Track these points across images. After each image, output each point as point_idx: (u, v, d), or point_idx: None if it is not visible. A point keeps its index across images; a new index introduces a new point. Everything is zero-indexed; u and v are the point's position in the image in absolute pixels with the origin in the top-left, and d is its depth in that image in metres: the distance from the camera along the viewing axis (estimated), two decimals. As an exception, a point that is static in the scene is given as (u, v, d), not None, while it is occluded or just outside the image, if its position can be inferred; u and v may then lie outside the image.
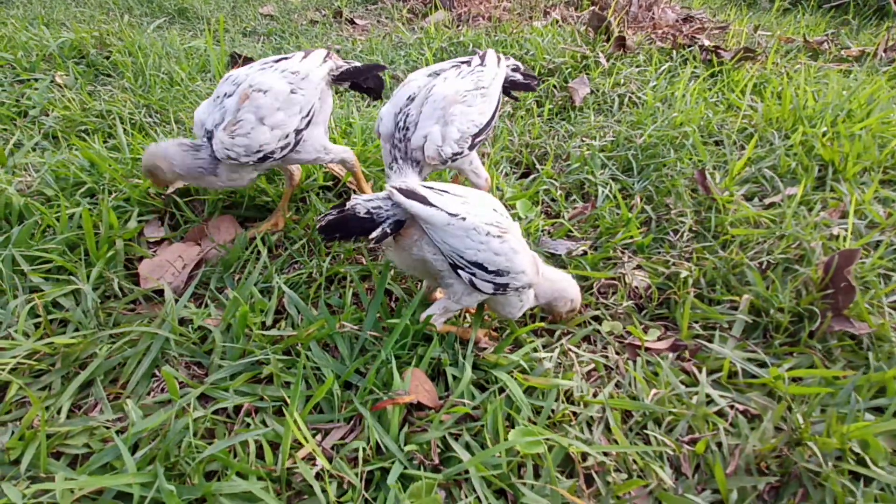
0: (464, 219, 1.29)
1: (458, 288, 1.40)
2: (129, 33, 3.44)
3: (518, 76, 1.95)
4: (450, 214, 1.28)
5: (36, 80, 2.91)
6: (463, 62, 1.85)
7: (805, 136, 2.44)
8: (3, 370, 1.28)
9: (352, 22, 4.71)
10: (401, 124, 1.64)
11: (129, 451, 1.12)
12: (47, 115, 2.60)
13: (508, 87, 1.93)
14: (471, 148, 1.69)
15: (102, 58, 3.19)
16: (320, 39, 4.15)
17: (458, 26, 4.30)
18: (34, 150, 2.32)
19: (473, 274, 1.33)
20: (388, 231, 1.31)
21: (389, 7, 4.96)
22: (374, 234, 1.29)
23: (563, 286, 1.53)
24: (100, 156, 2.08)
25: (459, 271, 1.34)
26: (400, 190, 1.30)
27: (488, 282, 1.34)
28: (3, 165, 2.13)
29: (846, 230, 1.91)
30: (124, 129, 2.40)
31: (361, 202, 1.32)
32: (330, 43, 4.01)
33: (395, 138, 1.65)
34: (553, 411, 1.35)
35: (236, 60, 3.47)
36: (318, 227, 1.34)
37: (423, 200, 1.29)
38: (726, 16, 4.86)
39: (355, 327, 1.48)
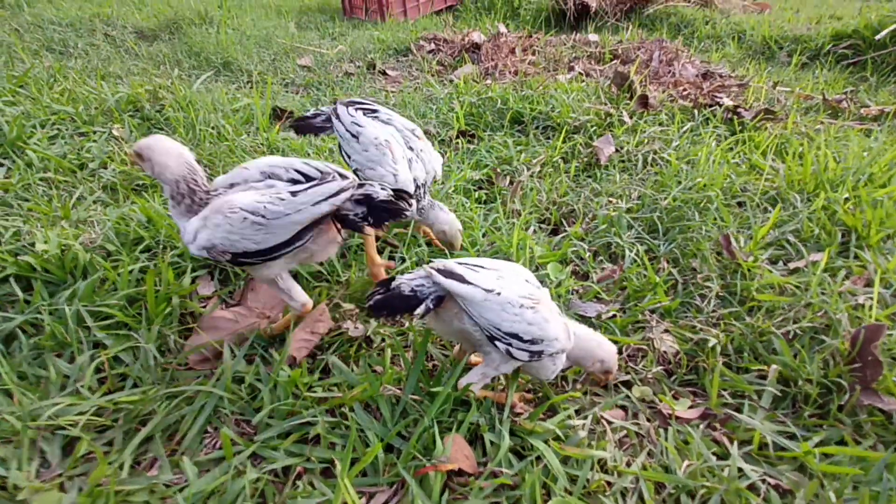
0: (499, 293, 1.39)
1: (496, 357, 1.48)
2: (179, 87, 3.68)
3: (354, 210, 1.57)
4: (485, 290, 1.39)
5: (95, 132, 3.12)
6: (305, 174, 1.60)
7: (827, 200, 2.50)
8: (75, 427, 1.38)
9: (384, 73, 4.95)
10: None
11: (189, 510, 1.20)
12: (105, 168, 2.79)
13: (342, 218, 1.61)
14: (235, 263, 1.60)
15: (155, 112, 3.41)
16: (355, 91, 4.37)
17: (485, 79, 4.49)
18: (94, 203, 2.49)
19: (510, 344, 1.41)
20: (431, 306, 1.42)
21: (420, 59, 5.20)
22: (418, 311, 1.41)
23: (592, 346, 1.58)
24: (157, 212, 2.24)
25: (496, 342, 1.42)
26: (438, 270, 1.43)
27: (524, 350, 1.42)
28: (68, 219, 2.29)
29: (871, 299, 1.95)
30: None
31: (406, 281, 1.45)
32: (364, 95, 4.23)
33: None
34: (588, 481, 1.40)
35: (278, 115, 3.68)
36: (367, 306, 1.48)
37: (461, 279, 1.40)
38: (745, 70, 4.99)
39: (397, 390, 1.56)
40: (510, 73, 4.73)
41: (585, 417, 1.58)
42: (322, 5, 7.84)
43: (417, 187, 2.01)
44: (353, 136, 1.99)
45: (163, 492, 1.30)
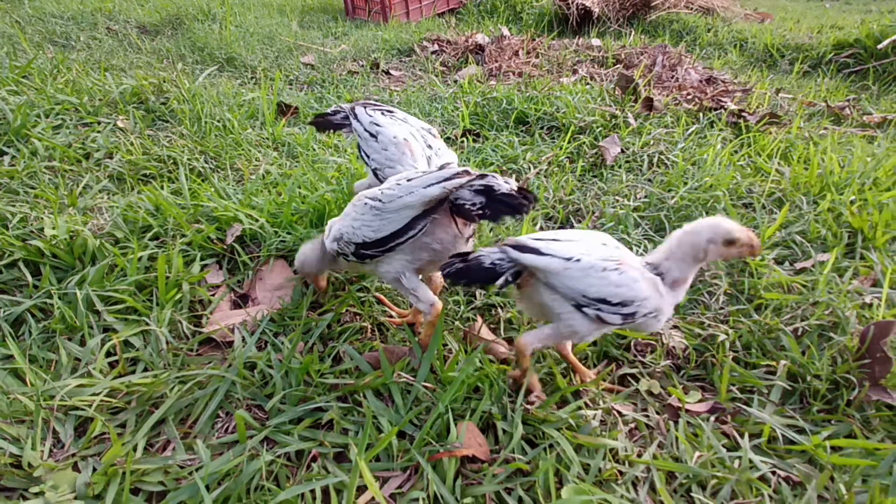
0: (579, 260, 1.38)
1: (582, 326, 1.45)
2: (184, 81, 3.68)
3: (471, 199, 1.45)
4: (565, 259, 1.39)
5: (99, 123, 3.12)
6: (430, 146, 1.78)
7: (833, 202, 2.52)
8: (89, 407, 1.37)
9: (388, 73, 4.96)
10: None
11: (206, 491, 1.19)
12: (111, 158, 2.78)
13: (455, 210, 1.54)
14: (358, 257, 1.60)
15: (160, 104, 3.41)
16: (359, 90, 4.38)
17: (489, 80, 4.51)
18: (101, 192, 2.48)
19: (599, 309, 1.40)
20: (510, 279, 1.44)
21: (423, 60, 5.22)
22: (498, 283, 1.43)
23: (688, 239, 1.44)
24: (165, 201, 2.23)
25: (585, 309, 1.41)
26: (513, 246, 1.44)
27: (615, 314, 1.40)
28: (75, 206, 2.28)
29: (879, 299, 1.97)
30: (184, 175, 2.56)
31: (486, 254, 1.46)
32: (368, 94, 4.24)
33: None
34: (601, 469, 1.40)
35: (283, 110, 3.69)
36: (444, 273, 1.48)
37: (537, 252, 1.40)
38: (747, 77, 5.04)
39: (410, 378, 1.56)
40: (514, 74, 4.75)
41: (597, 408, 1.58)
42: (324, 5, 7.86)
43: None
44: (372, 135, 1.99)
45: (177, 472, 1.30)
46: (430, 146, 2.05)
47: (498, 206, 1.43)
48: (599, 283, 1.37)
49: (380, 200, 1.49)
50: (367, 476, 1.23)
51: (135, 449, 1.34)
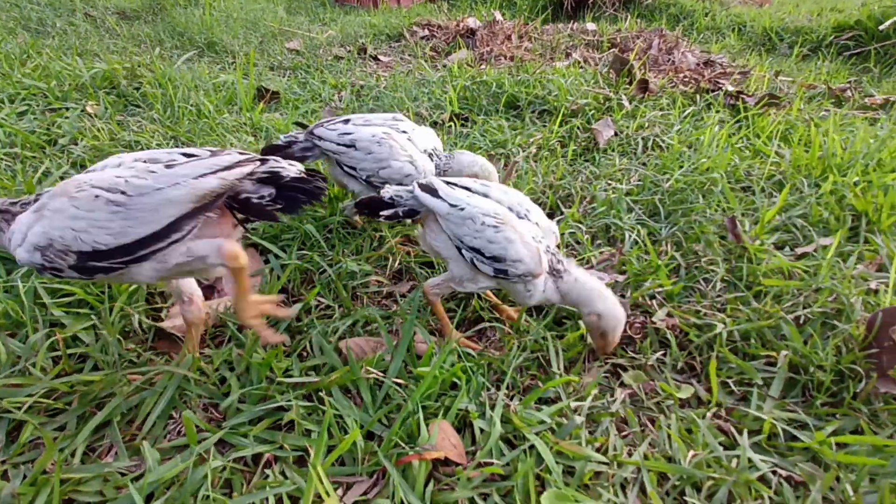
0: (462, 209, 1.47)
1: (463, 270, 1.54)
2: (159, 65, 3.52)
3: (257, 192, 1.24)
4: (450, 205, 1.49)
5: (67, 108, 2.97)
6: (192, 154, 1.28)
7: (836, 184, 2.40)
8: (20, 410, 1.24)
9: (375, 59, 4.81)
10: None
11: (142, 501, 1.07)
12: (76, 145, 2.64)
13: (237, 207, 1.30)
14: (82, 272, 1.17)
15: (132, 89, 3.26)
16: (344, 75, 4.23)
17: (480, 65, 4.36)
18: (62, 178, 2.34)
19: (473, 258, 1.49)
20: (400, 214, 1.57)
21: (413, 45, 5.07)
22: (385, 213, 1.56)
23: (591, 294, 1.50)
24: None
25: (463, 251, 1.50)
26: (421, 185, 1.55)
27: (487, 265, 1.47)
28: (31, 193, 2.14)
29: (886, 284, 1.85)
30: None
31: (391, 190, 1.60)
32: (354, 79, 4.09)
33: None
34: (585, 472, 1.28)
35: (263, 94, 3.54)
36: (355, 202, 1.65)
37: (433, 192, 1.51)
38: (745, 61, 4.89)
39: (380, 373, 1.43)
40: (506, 58, 4.60)
41: (582, 401, 1.46)
42: (314, -9, 7.67)
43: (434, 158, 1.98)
44: (348, 145, 1.86)
45: (118, 480, 1.17)
46: (404, 131, 1.94)
47: (292, 196, 1.24)
48: (474, 234, 1.46)
49: (123, 193, 1.11)
50: (324, 483, 1.11)
51: (73, 455, 1.22)
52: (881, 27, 4.85)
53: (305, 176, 1.26)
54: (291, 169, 1.25)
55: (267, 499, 1.13)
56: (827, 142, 2.72)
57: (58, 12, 5.20)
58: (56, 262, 1.13)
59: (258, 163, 1.21)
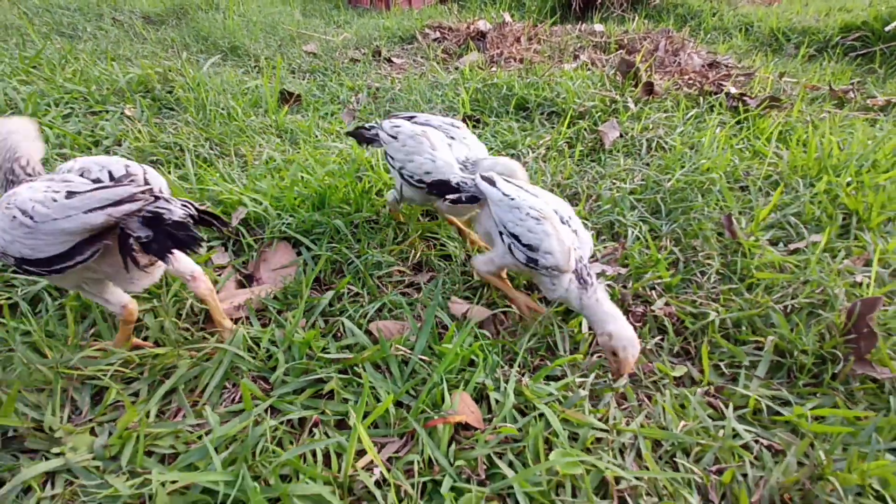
0: (513, 199, 1.69)
1: (501, 248, 1.75)
2: (188, 70, 3.74)
3: (137, 231, 1.25)
4: (503, 194, 1.71)
5: (107, 111, 3.19)
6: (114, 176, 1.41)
7: (830, 184, 2.55)
8: (105, 376, 1.45)
9: (389, 61, 4.99)
10: None
11: (214, 451, 1.27)
12: (119, 145, 2.85)
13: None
14: (23, 272, 1.32)
15: (166, 92, 3.47)
16: (361, 77, 4.42)
17: (490, 67, 4.53)
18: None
19: (512, 242, 1.69)
20: (464, 199, 1.82)
21: (425, 47, 5.24)
22: (450, 196, 1.83)
23: (605, 317, 1.59)
24: (172, 185, 2.30)
25: (503, 236, 1.71)
26: (483, 177, 1.79)
27: (521, 252, 1.67)
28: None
29: (869, 277, 2.01)
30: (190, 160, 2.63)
31: (459, 176, 1.88)
32: (370, 81, 4.27)
33: None
34: (588, 436, 1.46)
35: (285, 97, 3.74)
36: (428, 183, 1.91)
37: (492, 183, 1.75)
38: (751, 61, 5.01)
39: (408, 350, 1.63)
40: (515, 60, 4.76)
41: (586, 377, 1.64)
42: (328, -7, 7.86)
43: (464, 167, 2.03)
44: (393, 136, 2.07)
45: (187, 437, 1.38)
46: (452, 137, 2.09)
47: (165, 240, 1.23)
48: (517, 221, 1.66)
49: (31, 218, 1.22)
50: (366, 440, 1.30)
51: (147, 415, 1.43)
52: (887, 28, 4.94)
53: (187, 222, 1.25)
54: (177, 212, 1.25)
55: (315, 451, 1.33)
56: (823, 143, 2.87)
57: (87, 17, 5.44)
58: (6, 260, 1.29)
59: (149, 199, 1.25)
